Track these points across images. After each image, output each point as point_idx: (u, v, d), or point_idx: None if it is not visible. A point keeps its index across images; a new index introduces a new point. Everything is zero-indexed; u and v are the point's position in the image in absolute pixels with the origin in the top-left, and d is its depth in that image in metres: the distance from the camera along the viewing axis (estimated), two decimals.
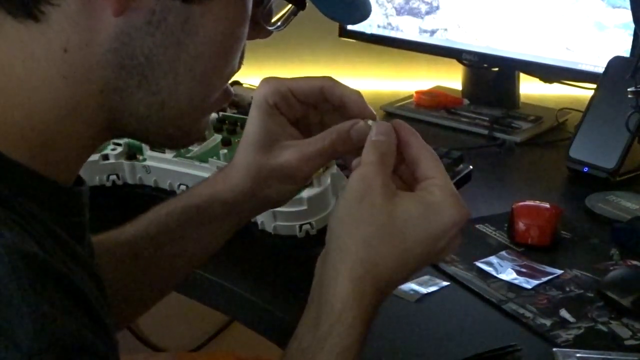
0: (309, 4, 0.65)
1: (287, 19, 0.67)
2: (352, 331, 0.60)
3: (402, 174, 0.67)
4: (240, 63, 0.63)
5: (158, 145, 0.64)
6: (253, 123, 0.73)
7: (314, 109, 0.73)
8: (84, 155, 0.60)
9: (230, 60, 0.61)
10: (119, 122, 0.58)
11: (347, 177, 0.70)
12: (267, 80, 0.73)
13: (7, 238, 0.46)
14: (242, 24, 0.60)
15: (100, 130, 0.58)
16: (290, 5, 0.66)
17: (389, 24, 1.63)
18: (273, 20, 0.66)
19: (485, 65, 1.57)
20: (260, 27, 0.63)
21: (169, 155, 1.04)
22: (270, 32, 0.65)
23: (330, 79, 0.71)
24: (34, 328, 0.44)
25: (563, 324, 0.84)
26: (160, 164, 1.04)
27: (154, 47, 0.55)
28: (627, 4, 1.06)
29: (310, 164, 0.72)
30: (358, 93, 0.71)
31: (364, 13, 0.69)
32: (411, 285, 0.89)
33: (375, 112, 0.70)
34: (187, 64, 0.57)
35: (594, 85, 1.31)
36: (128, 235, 0.78)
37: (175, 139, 0.63)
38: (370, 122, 0.69)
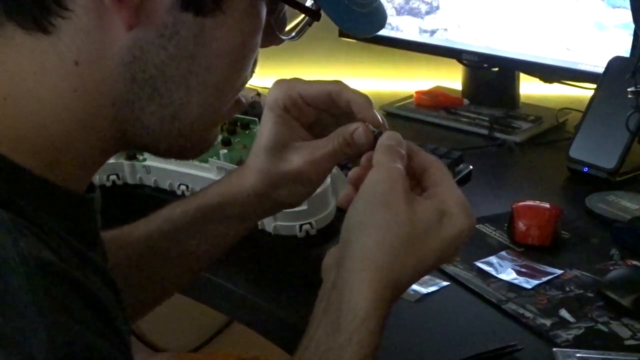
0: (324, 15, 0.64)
1: (301, 30, 0.66)
2: (373, 339, 0.59)
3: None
4: (252, 72, 0.63)
5: (169, 157, 0.64)
6: (265, 126, 0.73)
7: (327, 113, 0.73)
8: (96, 165, 0.60)
9: (242, 71, 0.60)
10: (130, 135, 0.58)
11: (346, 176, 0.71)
12: (278, 83, 0.72)
13: (22, 247, 0.46)
14: (255, 35, 0.59)
15: (111, 143, 0.58)
16: (304, 15, 0.65)
17: (389, 24, 1.63)
18: (287, 29, 0.65)
19: (485, 65, 1.57)
20: (273, 35, 0.62)
21: None
22: (282, 40, 0.64)
23: (339, 83, 0.71)
24: (49, 339, 0.44)
25: (563, 324, 0.84)
26: (160, 164, 1.05)
27: (166, 60, 0.55)
28: (627, 4, 1.07)
29: (319, 167, 0.72)
30: (365, 98, 0.70)
31: (379, 25, 0.67)
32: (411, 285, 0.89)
33: (381, 119, 0.70)
34: (200, 77, 0.57)
35: (594, 85, 1.31)
36: (141, 232, 0.78)
37: (186, 151, 0.62)
38: (371, 127, 0.69)
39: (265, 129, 0.73)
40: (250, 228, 0.81)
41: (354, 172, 0.68)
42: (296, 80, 0.72)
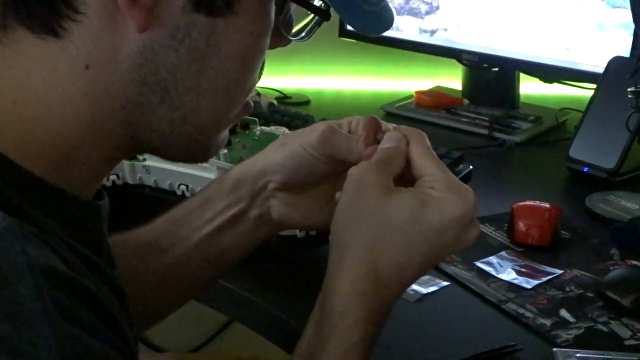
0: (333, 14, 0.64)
1: (311, 30, 0.65)
2: (354, 332, 0.60)
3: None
4: (260, 74, 0.62)
5: (178, 160, 0.64)
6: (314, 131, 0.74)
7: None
8: (104, 170, 0.59)
9: (252, 73, 0.60)
10: (139, 139, 0.57)
11: None
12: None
13: (30, 255, 0.45)
14: (264, 37, 0.59)
15: (120, 147, 0.57)
16: (312, 15, 0.64)
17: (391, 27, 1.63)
18: (296, 29, 0.64)
19: (485, 65, 1.57)
20: (280, 36, 0.62)
21: None
22: (290, 41, 0.63)
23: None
24: (58, 348, 0.43)
25: (563, 324, 0.84)
26: (160, 164, 1.04)
27: (177, 62, 0.54)
28: (627, 4, 1.06)
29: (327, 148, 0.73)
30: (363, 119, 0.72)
31: (388, 23, 0.67)
32: (411, 285, 0.89)
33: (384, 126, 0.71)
34: (211, 79, 0.56)
35: (594, 85, 1.31)
36: (145, 235, 0.77)
37: (195, 154, 0.62)
38: (379, 135, 0.70)
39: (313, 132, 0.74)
40: (259, 238, 0.79)
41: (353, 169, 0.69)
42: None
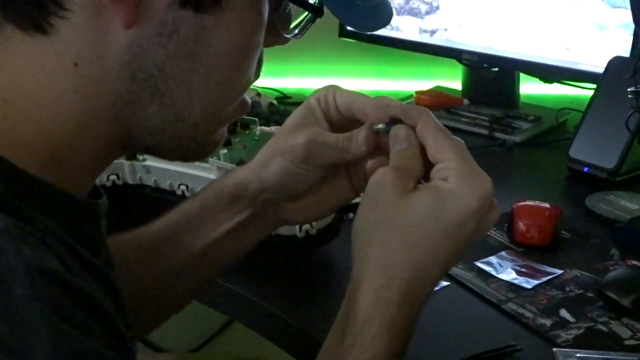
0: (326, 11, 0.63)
1: (304, 27, 0.64)
2: (376, 342, 0.59)
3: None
4: (258, 72, 0.62)
5: (173, 158, 0.63)
6: (295, 111, 0.72)
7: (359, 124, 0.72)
8: (98, 168, 0.59)
9: (246, 69, 0.59)
10: (132, 136, 0.57)
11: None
12: (329, 85, 0.71)
13: (26, 256, 0.45)
14: (257, 33, 0.58)
15: (113, 144, 0.57)
16: (306, 13, 0.64)
17: (389, 24, 1.63)
18: (290, 27, 0.64)
19: (485, 65, 1.57)
20: (277, 34, 0.61)
21: None
22: (287, 39, 0.63)
23: (363, 96, 0.70)
24: (54, 349, 0.43)
25: (563, 324, 0.84)
26: (160, 164, 1.04)
27: (166, 58, 0.54)
28: (627, 4, 1.06)
29: (317, 152, 0.70)
30: (369, 100, 0.69)
31: (385, 20, 0.66)
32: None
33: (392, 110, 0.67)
34: (201, 75, 0.56)
35: (594, 85, 1.31)
36: (145, 234, 0.77)
37: (190, 152, 0.61)
38: (380, 125, 0.67)
39: (293, 113, 0.72)
40: (256, 238, 0.78)
41: (372, 163, 0.67)
42: (341, 88, 0.71)
